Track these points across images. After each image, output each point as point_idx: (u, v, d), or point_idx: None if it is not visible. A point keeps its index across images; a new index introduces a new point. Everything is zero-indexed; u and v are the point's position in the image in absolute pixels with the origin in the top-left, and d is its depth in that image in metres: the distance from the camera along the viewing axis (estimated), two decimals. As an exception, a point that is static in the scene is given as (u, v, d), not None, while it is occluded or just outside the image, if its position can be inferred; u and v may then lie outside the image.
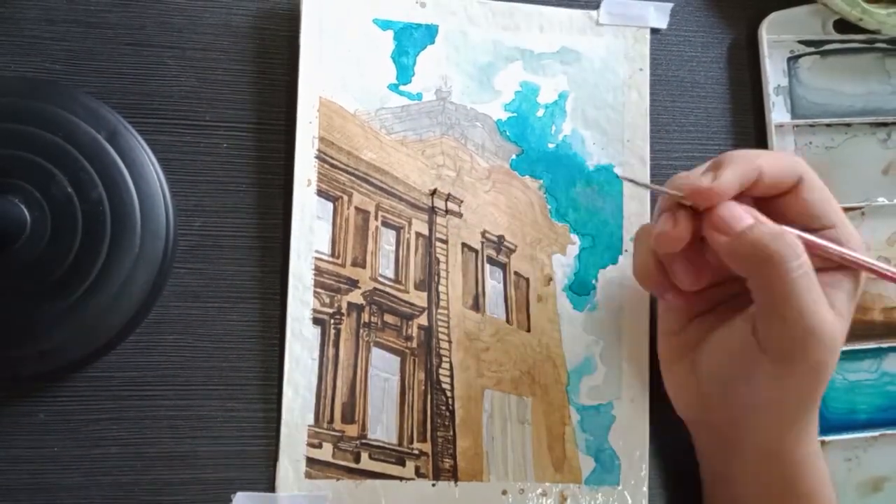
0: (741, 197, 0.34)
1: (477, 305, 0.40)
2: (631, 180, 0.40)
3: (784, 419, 0.35)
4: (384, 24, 0.41)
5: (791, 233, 0.32)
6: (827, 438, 0.42)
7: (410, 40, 0.41)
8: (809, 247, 0.33)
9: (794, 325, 0.32)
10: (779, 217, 0.34)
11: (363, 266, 0.39)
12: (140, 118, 0.38)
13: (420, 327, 0.39)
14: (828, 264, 0.34)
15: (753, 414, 0.36)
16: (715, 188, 0.33)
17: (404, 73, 0.41)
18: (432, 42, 0.41)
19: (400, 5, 0.41)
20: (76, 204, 0.35)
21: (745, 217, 0.33)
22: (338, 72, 0.40)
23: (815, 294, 0.32)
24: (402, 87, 0.41)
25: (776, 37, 0.44)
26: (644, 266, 0.36)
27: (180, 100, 0.39)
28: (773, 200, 0.35)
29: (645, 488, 0.39)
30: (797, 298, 0.31)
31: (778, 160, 0.35)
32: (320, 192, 0.39)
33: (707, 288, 0.36)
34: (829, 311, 0.32)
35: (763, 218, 0.34)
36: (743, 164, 0.33)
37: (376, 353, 0.38)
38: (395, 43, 0.41)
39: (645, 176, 0.42)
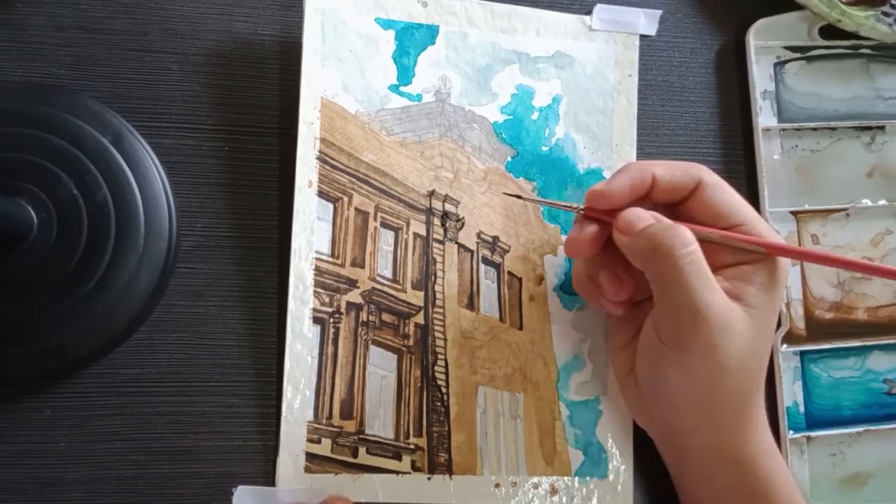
0: (645, 203, 0.37)
1: (472, 304, 0.41)
2: (519, 196, 0.41)
3: (711, 416, 0.36)
4: (386, 24, 0.41)
5: (682, 226, 0.34)
6: (812, 434, 0.43)
7: (412, 40, 0.42)
8: (709, 240, 0.35)
9: (680, 308, 0.34)
10: (688, 219, 0.36)
11: (362, 266, 0.40)
12: (144, 122, 0.39)
13: (417, 326, 0.40)
14: (740, 258, 0.36)
15: (682, 414, 0.37)
16: (605, 190, 0.36)
17: (405, 74, 0.42)
18: (433, 42, 0.42)
19: (401, 5, 0.41)
20: (82, 205, 0.36)
21: (645, 218, 0.35)
22: (339, 73, 0.40)
23: (702, 279, 0.33)
24: (402, 88, 0.41)
25: (763, 43, 0.45)
26: (577, 277, 0.40)
27: (183, 104, 0.40)
28: (680, 205, 0.37)
29: (631, 480, 0.40)
30: (683, 283, 0.33)
31: (673, 167, 0.36)
32: (321, 194, 0.39)
33: (640, 300, 0.38)
34: (718, 294, 0.34)
35: (664, 220, 0.35)
36: (635, 171, 0.36)
37: (374, 351, 0.39)
38: (397, 43, 0.41)
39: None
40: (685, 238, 0.34)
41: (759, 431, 0.37)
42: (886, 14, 0.44)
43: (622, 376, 0.40)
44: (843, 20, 0.44)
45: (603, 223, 0.37)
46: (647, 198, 0.37)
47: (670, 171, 0.36)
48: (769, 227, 0.36)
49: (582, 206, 0.37)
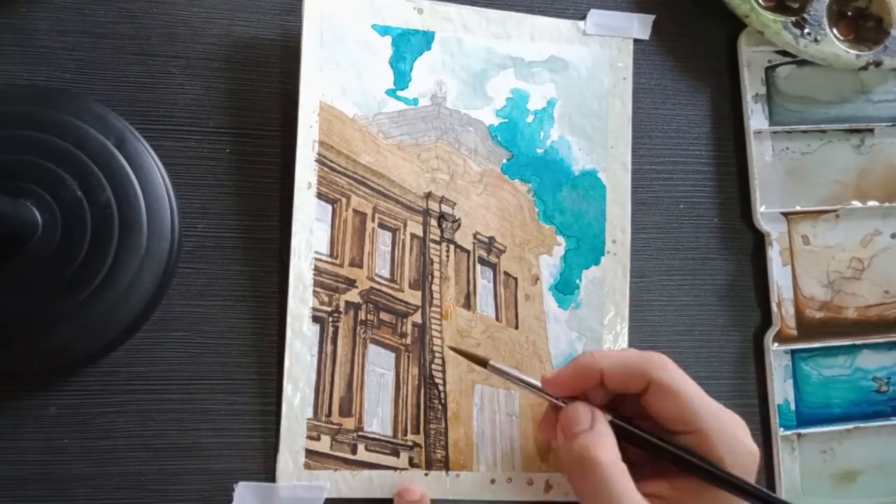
0: (602, 391, 0.36)
1: (468, 304, 0.42)
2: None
3: None
4: (383, 30, 0.42)
5: (603, 441, 0.33)
6: (802, 431, 0.44)
7: (408, 46, 0.42)
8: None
9: None
10: (647, 413, 0.35)
11: (360, 266, 0.41)
12: (147, 125, 0.40)
13: (414, 325, 0.41)
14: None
15: None
16: (553, 380, 0.36)
17: (401, 79, 0.42)
18: (429, 48, 0.43)
19: (398, 11, 0.42)
20: (85, 207, 0.36)
21: (582, 422, 0.34)
22: (337, 77, 0.41)
23: (618, 494, 0.32)
24: (399, 93, 0.42)
25: (755, 47, 0.46)
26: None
27: (185, 107, 0.40)
28: (641, 396, 0.35)
29: (628, 478, 0.41)
30: (599, 499, 0.33)
31: (624, 364, 0.35)
32: (320, 195, 0.40)
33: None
34: None
35: (599, 423, 0.34)
36: (582, 364, 0.35)
37: (372, 349, 0.40)
38: (393, 49, 0.42)
39: (626, 179, 0.44)
40: (603, 458, 0.33)
41: None
42: (797, 25, 0.44)
43: None
44: (752, 16, 0.44)
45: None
46: (602, 387, 0.35)
47: (620, 369, 0.35)
48: (725, 440, 0.33)
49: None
